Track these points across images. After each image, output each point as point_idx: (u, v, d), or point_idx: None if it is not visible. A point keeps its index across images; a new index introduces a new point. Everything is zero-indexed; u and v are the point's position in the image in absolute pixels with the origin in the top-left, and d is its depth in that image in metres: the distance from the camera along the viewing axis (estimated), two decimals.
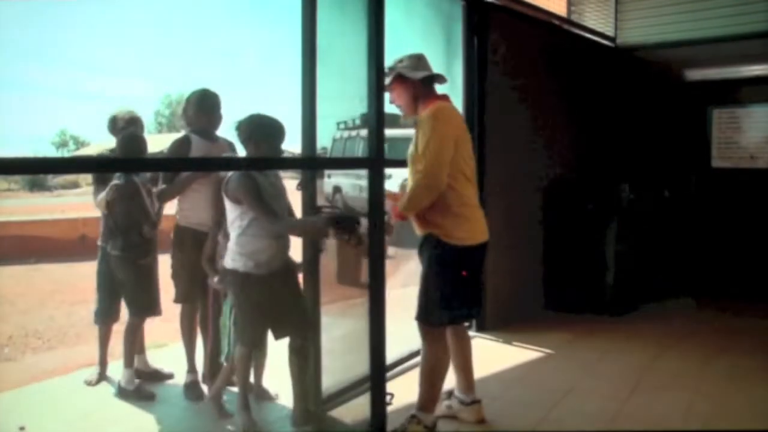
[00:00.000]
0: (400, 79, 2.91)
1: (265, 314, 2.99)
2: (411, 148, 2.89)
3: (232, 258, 2.96)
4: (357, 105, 3.04)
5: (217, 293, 3.35)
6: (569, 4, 6.23)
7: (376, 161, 2.72)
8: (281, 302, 3.01)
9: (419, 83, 2.91)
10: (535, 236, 5.31)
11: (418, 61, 2.95)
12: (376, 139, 2.69)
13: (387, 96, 2.89)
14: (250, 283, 2.94)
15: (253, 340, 3.03)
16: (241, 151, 3.18)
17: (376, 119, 2.67)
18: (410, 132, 3.01)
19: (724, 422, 3.18)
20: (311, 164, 2.78)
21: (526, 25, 5.08)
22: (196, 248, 3.32)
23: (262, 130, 2.96)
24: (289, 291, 3.05)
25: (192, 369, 3.50)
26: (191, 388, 3.45)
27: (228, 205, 2.96)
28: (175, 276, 3.47)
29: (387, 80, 2.89)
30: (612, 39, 6.23)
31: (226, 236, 3.08)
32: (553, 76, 5.32)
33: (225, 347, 3.17)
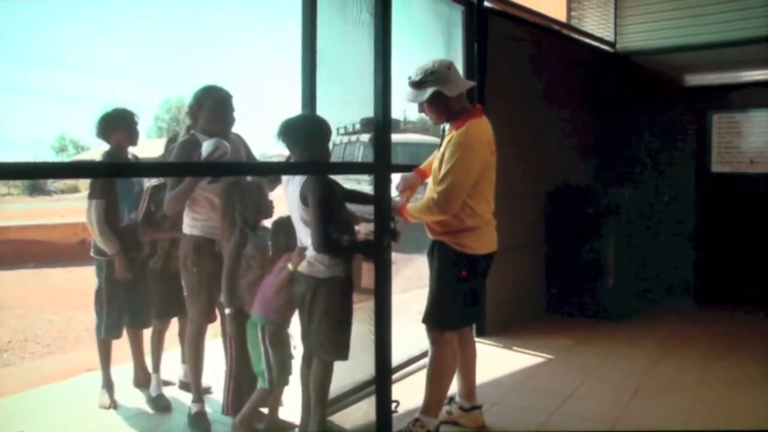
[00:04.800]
0: (436, 94, 2.79)
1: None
2: (435, 163, 2.87)
3: (327, 266, 2.72)
4: (357, 109, 3.05)
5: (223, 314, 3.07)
6: (569, 9, 6.25)
7: (381, 166, 2.71)
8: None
9: (454, 98, 2.82)
10: (535, 240, 5.31)
11: (449, 71, 2.80)
12: (382, 144, 2.68)
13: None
14: (348, 289, 2.80)
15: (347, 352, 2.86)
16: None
17: (382, 125, 2.65)
18: (407, 137, 3.01)
19: (724, 427, 3.18)
20: (316, 169, 2.75)
21: (526, 30, 5.09)
22: (217, 261, 3.01)
23: (319, 132, 2.78)
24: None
25: (199, 398, 3.17)
26: (199, 420, 3.13)
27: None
28: (191, 293, 3.11)
29: (422, 96, 2.79)
30: (611, 44, 6.24)
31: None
32: (552, 81, 5.33)
33: (264, 371, 2.87)
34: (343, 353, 2.79)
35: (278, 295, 2.83)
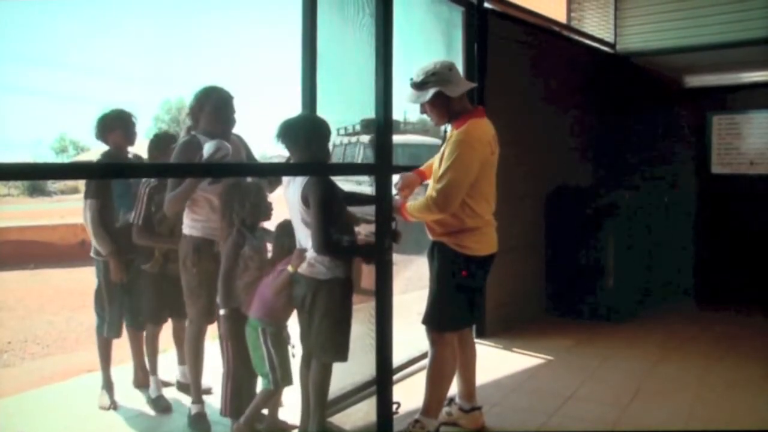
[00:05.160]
0: (437, 95, 2.80)
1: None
2: (436, 164, 2.88)
3: (327, 267, 2.72)
4: (357, 110, 3.05)
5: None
6: (569, 10, 6.25)
7: (383, 167, 2.70)
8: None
9: (456, 98, 2.83)
10: (535, 242, 5.31)
11: (450, 72, 2.82)
12: (383, 145, 2.67)
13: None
14: (348, 290, 2.81)
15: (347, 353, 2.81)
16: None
17: (383, 126, 2.65)
18: (407, 138, 3.01)
19: (724, 428, 3.18)
20: (317, 170, 2.75)
21: (526, 31, 5.09)
22: (216, 262, 2.99)
23: (319, 132, 2.80)
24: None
25: (199, 399, 3.19)
26: (199, 421, 3.15)
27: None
28: (191, 294, 3.11)
29: (424, 96, 2.81)
30: (611, 45, 6.25)
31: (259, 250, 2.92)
32: (552, 83, 5.33)
33: (268, 373, 2.85)
34: (342, 355, 2.79)
35: (278, 297, 2.83)
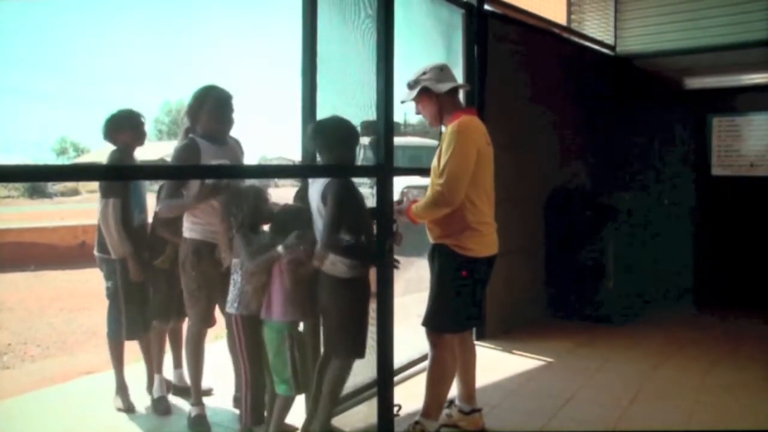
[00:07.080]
0: (425, 92, 2.90)
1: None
2: (434, 162, 2.90)
3: (348, 266, 2.73)
4: (357, 113, 3.05)
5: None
6: (569, 12, 6.25)
7: (385, 169, 2.70)
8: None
9: (444, 96, 2.91)
10: (535, 244, 5.31)
11: (441, 72, 2.93)
12: (385, 147, 2.68)
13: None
14: (366, 290, 2.82)
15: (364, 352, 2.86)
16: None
17: (384, 127, 2.65)
18: (407, 140, 3.02)
19: (724, 430, 3.18)
20: (320, 171, 2.76)
21: (526, 33, 5.10)
22: (216, 265, 3.01)
23: (350, 137, 2.81)
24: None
25: (198, 401, 3.17)
26: (199, 423, 3.13)
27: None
28: (190, 296, 3.10)
29: (412, 94, 2.91)
30: (612, 47, 6.25)
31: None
32: (552, 85, 5.34)
33: (290, 378, 2.79)
34: (360, 352, 2.83)
35: (295, 293, 2.77)
